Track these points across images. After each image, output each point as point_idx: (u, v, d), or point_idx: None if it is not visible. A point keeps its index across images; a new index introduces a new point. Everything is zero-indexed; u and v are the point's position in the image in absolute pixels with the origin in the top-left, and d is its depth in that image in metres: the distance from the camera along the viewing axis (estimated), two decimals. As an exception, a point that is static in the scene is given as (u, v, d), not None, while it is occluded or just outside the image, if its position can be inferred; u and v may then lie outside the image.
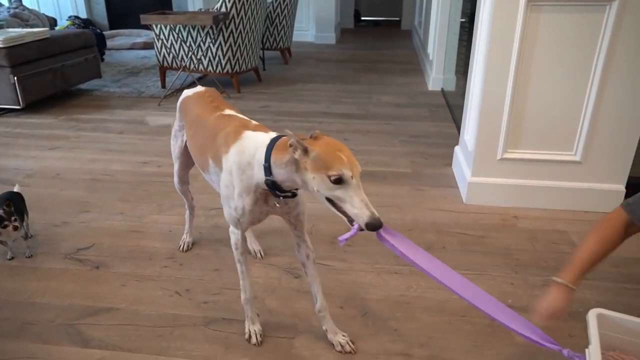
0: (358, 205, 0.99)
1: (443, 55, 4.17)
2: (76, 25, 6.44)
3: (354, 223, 1.03)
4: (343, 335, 1.38)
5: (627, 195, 2.12)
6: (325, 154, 1.00)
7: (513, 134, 2.08)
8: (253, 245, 1.83)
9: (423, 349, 1.37)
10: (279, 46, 5.39)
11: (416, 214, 2.14)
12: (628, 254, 1.83)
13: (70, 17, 6.90)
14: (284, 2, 5.11)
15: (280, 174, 1.09)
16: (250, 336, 1.38)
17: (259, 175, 1.12)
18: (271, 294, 1.60)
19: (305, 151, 1.02)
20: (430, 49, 4.60)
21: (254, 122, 1.30)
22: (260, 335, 1.39)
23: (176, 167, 1.73)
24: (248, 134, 1.18)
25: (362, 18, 9.50)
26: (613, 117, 1.99)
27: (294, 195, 1.19)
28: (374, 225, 0.98)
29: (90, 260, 1.79)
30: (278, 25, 5.22)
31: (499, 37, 1.93)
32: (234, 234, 1.30)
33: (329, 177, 0.99)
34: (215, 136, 1.27)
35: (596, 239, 1.16)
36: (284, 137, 1.10)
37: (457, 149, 2.56)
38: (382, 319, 1.48)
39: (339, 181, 0.99)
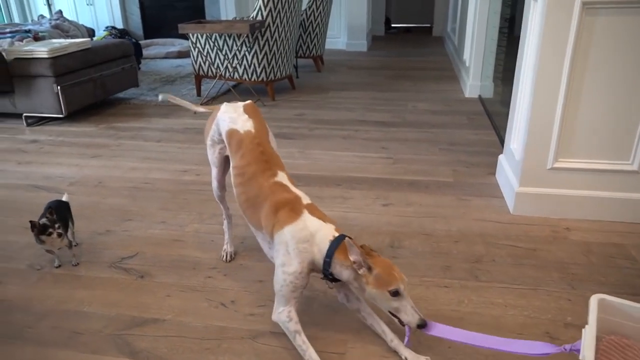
0: (410, 312, 1.23)
1: (480, 62, 4.08)
2: (113, 36, 6.59)
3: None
4: (426, 358, 1.32)
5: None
6: (385, 274, 1.23)
7: (564, 143, 2.00)
8: (228, 247, 1.85)
9: (479, 368, 1.31)
10: (312, 54, 5.39)
11: (462, 224, 2.07)
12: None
13: (107, 27, 7.06)
14: (317, 9, 5.11)
15: (340, 273, 1.29)
16: None
17: (318, 258, 1.31)
18: (316, 309, 1.56)
19: (369, 269, 1.23)
20: (466, 56, 4.51)
21: (306, 199, 1.42)
22: None
23: (214, 172, 1.72)
24: (306, 217, 1.34)
25: (393, 25, 9.45)
26: (674, 124, 1.89)
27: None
28: (423, 326, 1.24)
29: (135, 269, 1.79)
30: (311, 33, 5.22)
31: (550, 41, 1.85)
32: (286, 310, 1.34)
33: (390, 291, 1.21)
34: (272, 206, 1.38)
35: None
36: (351, 243, 1.23)
37: (501, 157, 2.48)
38: (436, 336, 1.41)
39: (395, 294, 1.22)
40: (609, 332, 1.03)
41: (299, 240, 1.30)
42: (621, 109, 1.91)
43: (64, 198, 1.95)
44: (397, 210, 2.22)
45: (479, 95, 4.18)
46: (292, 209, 1.35)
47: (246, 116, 1.59)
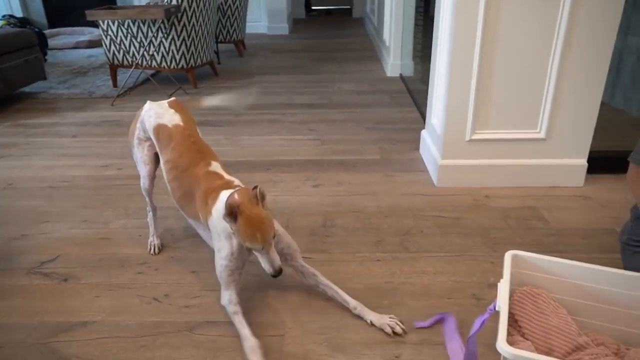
0: (265, 265, 1.24)
1: (400, 41, 4.19)
2: (12, 25, 6.07)
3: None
4: (390, 318, 1.38)
5: (589, 169, 2.20)
6: (243, 232, 1.21)
7: (480, 115, 2.11)
8: (154, 239, 1.81)
9: (414, 333, 1.37)
10: (232, 39, 5.28)
11: (391, 200, 2.14)
12: (597, 225, 1.90)
13: (4, 16, 6.49)
14: (235, -7, 4.99)
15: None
16: None
17: None
18: (254, 294, 1.56)
19: (234, 220, 1.21)
20: (386, 36, 4.61)
21: (236, 181, 1.43)
22: None
23: (145, 171, 1.69)
24: (224, 193, 1.32)
25: (313, 7, 9.44)
26: (574, 93, 2.04)
27: None
28: (275, 276, 1.24)
29: (57, 272, 1.68)
30: (230, 17, 5.10)
31: (462, 19, 1.93)
32: (226, 294, 1.36)
33: (247, 247, 1.25)
34: (202, 195, 1.39)
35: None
36: (242, 190, 1.28)
37: (423, 132, 2.58)
38: (371, 308, 1.45)
39: (250, 250, 1.27)
40: (522, 284, 1.12)
41: (220, 219, 1.28)
42: (528, 80, 2.03)
43: None
44: (328, 190, 2.25)
45: (400, 74, 4.29)
46: (216, 191, 1.35)
47: (172, 110, 1.61)
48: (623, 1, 1.88)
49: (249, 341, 1.27)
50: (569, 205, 2.07)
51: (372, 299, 1.50)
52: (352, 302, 1.44)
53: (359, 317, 1.42)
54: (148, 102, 1.68)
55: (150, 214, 1.80)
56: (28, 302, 1.54)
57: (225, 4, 5.01)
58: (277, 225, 1.38)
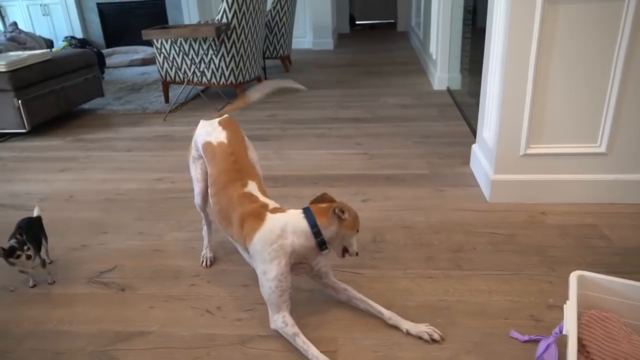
0: (356, 245, 1.45)
1: (447, 54, 4.14)
2: (73, 46, 6.42)
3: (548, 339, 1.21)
4: (426, 325, 1.40)
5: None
6: (353, 222, 1.40)
7: (535, 129, 2.04)
8: (207, 252, 1.84)
9: (470, 355, 1.32)
10: (279, 54, 5.37)
11: (441, 215, 2.10)
12: (631, 243, 1.80)
13: (66, 37, 6.88)
14: (282, 10, 5.09)
15: (328, 231, 1.37)
16: None
17: (297, 245, 1.35)
18: (304, 309, 1.55)
19: (340, 218, 1.36)
20: (432, 49, 4.57)
21: (273, 204, 1.46)
22: None
23: (198, 188, 1.74)
24: (269, 218, 1.38)
25: (357, 22, 9.50)
26: (636, 106, 1.95)
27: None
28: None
29: (115, 282, 1.74)
30: (277, 33, 5.20)
31: (516, 31, 1.89)
32: (279, 317, 1.38)
33: (357, 230, 1.43)
34: (238, 218, 1.42)
35: None
36: (316, 207, 1.40)
37: (474, 147, 2.52)
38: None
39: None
40: (589, 307, 1.06)
41: (270, 243, 1.34)
42: (587, 93, 1.96)
43: (35, 213, 1.88)
44: (377, 205, 2.23)
45: (448, 87, 4.24)
46: (256, 217, 1.38)
47: (220, 128, 1.65)
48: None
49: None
50: (634, 223, 1.97)
51: (424, 318, 1.47)
52: (386, 313, 1.44)
53: (395, 327, 1.42)
54: (201, 120, 1.72)
55: (204, 228, 1.84)
56: (88, 310, 1.60)
57: (273, 20, 5.12)
58: None
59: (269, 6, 5.20)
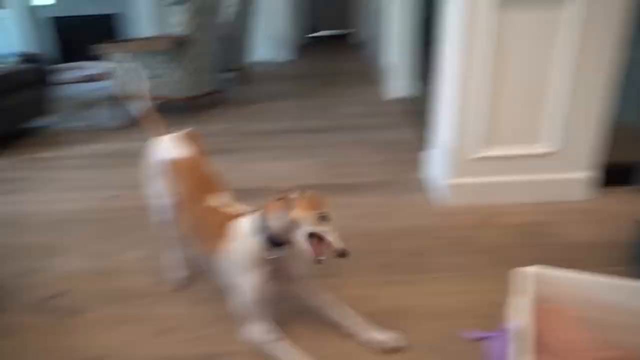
0: (334, 242, 1.21)
1: (403, 63, 4.22)
2: (24, 61, 6.20)
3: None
4: (389, 334, 1.39)
5: (599, 182, 2.17)
6: (310, 202, 1.22)
7: (487, 133, 2.10)
8: (173, 272, 1.76)
9: (429, 357, 1.33)
10: (237, 67, 5.35)
11: (399, 221, 2.12)
12: (609, 238, 1.86)
13: (17, 53, 6.64)
14: (238, 22, 5.08)
15: (277, 225, 1.25)
16: None
17: (257, 241, 1.28)
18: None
19: (288, 207, 1.22)
20: (389, 58, 4.65)
21: (246, 210, 1.40)
22: None
23: (158, 206, 1.68)
24: (234, 227, 1.34)
25: (316, 34, 9.59)
26: (582, 107, 2.03)
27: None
28: (343, 255, 1.21)
29: (64, 307, 1.67)
30: (235, 46, 5.18)
31: (468, 39, 1.94)
32: (261, 325, 1.35)
33: (317, 213, 1.21)
34: (214, 228, 1.39)
35: None
36: (271, 202, 1.28)
37: (430, 152, 2.57)
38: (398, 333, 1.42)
39: (323, 218, 1.22)
40: (544, 301, 1.09)
41: (241, 253, 1.31)
42: (535, 96, 2.03)
43: None
44: (336, 214, 2.21)
45: (404, 95, 4.31)
46: (227, 228, 1.35)
47: (180, 142, 1.60)
48: (623, 17, 1.88)
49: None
50: (580, 219, 2.04)
51: (384, 323, 1.47)
52: (360, 325, 1.42)
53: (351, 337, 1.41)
54: (158, 136, 1.67)
55: (168, 249, 1.77)
56: (38, 338, 1.52)
57: (230, 33, 5.09)
58: None
59: (225, 19, 5.18)
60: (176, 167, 1.55)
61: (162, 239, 1.79)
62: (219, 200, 1.46)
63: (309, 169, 2.79)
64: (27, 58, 6.36)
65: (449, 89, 2.15)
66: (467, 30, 1.93)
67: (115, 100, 4.19)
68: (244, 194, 2.46)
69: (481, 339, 1.35)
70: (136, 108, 4.02)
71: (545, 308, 1.08)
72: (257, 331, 1.35)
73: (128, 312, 1.62)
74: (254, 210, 1.34)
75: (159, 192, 1.65)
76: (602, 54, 1.93)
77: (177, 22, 3.75)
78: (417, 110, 3.77)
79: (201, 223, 1.44)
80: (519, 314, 0.97)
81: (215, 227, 1.38)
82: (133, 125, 3.97)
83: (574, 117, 2.04)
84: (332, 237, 1.21)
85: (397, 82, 4.31)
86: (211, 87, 4.21)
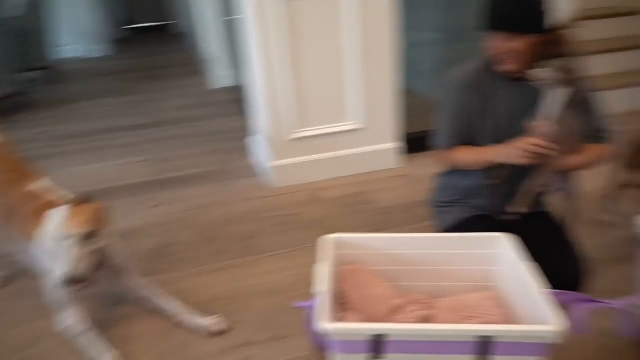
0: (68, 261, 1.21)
1: (220, 52, 4.23)
2: None
3: None
4: (212, 318, 1.42)
5: (404, 151, 2.48)
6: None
7: (298, 115, 2.24)
8: None
9: (263, 332, 1.43)
10: (40, 65, 4.79)
11: (231, 208, 2.17)
12: (417, 198, 2.14)
13: None
14: (31, 16, 4.52)
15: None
16: None
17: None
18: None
19: None
20: (207, 48, 4.61)
21: (63, 196, 1.39)
22: None
23: None
24: (47, 212, 1.30)
25: (133, 26, 9.02)
26: (374, 86, 2.28)
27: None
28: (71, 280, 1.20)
29: None
30: (31, 42, 4.60)
31: (261, 29, 2.05)
32: (70, 313, 1.32)
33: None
34: (23, 219, 1.35)
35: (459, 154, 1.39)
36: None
37: (252, 138, 2.65)
38: (222, 316, 1.47)
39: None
40: (344, 264, 1.24)
41: (52, 240, 1.26)
42: (335, 78, 2.23)
43: None
44: (167, 209, 2.20)
45: (225, 85, 4.32)
46: (44, 213, 1.31)
47: None
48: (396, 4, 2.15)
49: (111, 354, 1.29)
50: (392, 186, 2.32)
51: (219, 308, 1.52)
52: (176, 311, 1.46)
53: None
54: None
55: None
56: None
57: (20, 28, 4.49)
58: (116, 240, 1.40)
59: (12, 12, 4.56)
60: None
61: None
62: (39, 185, 1.42)
63: (136, 167, 2.67)
64: None
65: (257, 77, 2.23)
66: (259, 21, 2.03)
67: None
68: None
69: (306, 308, 1.45)
70: None
71: (347, 270, 1.23)
72: (67, 319, 1.33)
73: None
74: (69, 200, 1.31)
75: None
76: (382, 37, 2.19)
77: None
78: (240, 99, 3.83)
79: (19, 209, 1.38)
80: (321, 279, 1.08)
81: (33, 212, 1.33)
82: None
83: (372, 95, 2.29)
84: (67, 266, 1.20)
85: (220, 72, 4.31)
86: (8, 89, 3.74)
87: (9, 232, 1.42)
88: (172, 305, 1.46)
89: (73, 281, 1.17)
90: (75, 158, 2.88)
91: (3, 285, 1.67)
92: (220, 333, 1.41)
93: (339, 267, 1.22)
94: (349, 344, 0.99)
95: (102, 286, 1.43)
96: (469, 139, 1.36)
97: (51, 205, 1.33)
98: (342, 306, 1.20)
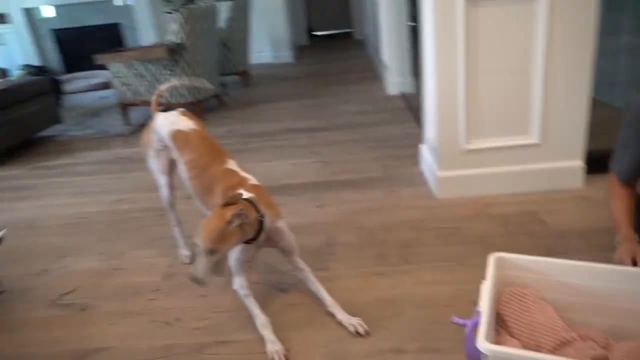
0: (196, 265, 1.35)
1: (398, 59, 4.29)
2: (30, 74, 6.36)
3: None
4: (357, 319, 1.49)
5: (587, 170, 2.23)
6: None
7: (472, 126, 2.17)
8: (184, 251, 1.98)
9: (415, 342, 1.41)
10: (237, 70, 5.45)
11: (393, 214, 2.20)
12: (598, 224, 1.92)
13: (22, 66, 6.80)
14: (235, 26, 5.17)
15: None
16: (273, 358, 1.39)
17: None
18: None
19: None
20: (385, 55, 4.72)
21: (251, 180, 1.58)
22: (284, 356, 1.40)
23: (163, 180, 1.85)
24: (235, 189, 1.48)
25: (315, 33, 9.67)
26: (562, 97, 2.09)
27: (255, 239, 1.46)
28: (193, 279, 1.34)
29: (75, 303, 1.78)
30: (233, 49, 5.28)
31: (442, 33, 2.02)
32: (238, 280, 1.53)
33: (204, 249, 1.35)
34: (222, 192, 1.53)
35: (616, 202, 1.34)
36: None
37: (422, 147, 2.64)
38: (373, 320, 1.51)
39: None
40: (508, 284, 1.16)
41: None
42: (515, 88, 2.10)
43: (0, 234, 1.90)
44: (332, 209, 2.32)
45: (401, 92, 4.38)
46: (234, 190, 1.48)
47: (185, 117, 1.77)
48: (596, 3, 1.94)
49: (260, 318, 1.46)
50: (569, 208, 2.10)
51: (373, 311, 1.55)
52: (328, 301, 1.55)
53: (332, 315, 1.53)
54: (159, 114, 1.82)
55: (176, 229, 1.96)
56: (48, 332, 1.63)
57: (227, 37, 5.19)
58: (282, 224, 1.55)
59: (221, 24, 5.28)
60: (185, 137, 1.70)
61: (172, 221, 1.96)
62: (233, 165, 1.63)
63: (307, 168, 2.87)
64: (34, 70, 6.52)
65: (430, 84, 2.22)
66: (438, 28, 2.01)
67: (119, 108, 4.30)
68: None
69: (464, 325, 1.42)
70: (139, 114, 4.14)
71: (510, 292, 1.15)
72: (236, 283, 1.53)
73: (133, 306, 1.72)
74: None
75: (163, 166, 1.82)
76: (574, 41, 1.99)
77: (173, 30, 3.86)
78: (415, 106, 3.84)
79: (217, 183, 1.57)
80: (485, 297, 1.04)
81: (229, 188, 1.52)
82: (137, 131, 4.08)
83: (555, 108, 2.10)
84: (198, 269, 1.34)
85: (398, 79, 4.38)
86: (212, 91, 4.31)
87: (205, 205, 1.63)
88: (323, 295, 1.57)
89: (195, 281, 1.33)
90: (256, 155, 3.21)
91: (190, 263, 1.94)
92: (361, 334, 1.45)
93: (501, 288, 1.15)
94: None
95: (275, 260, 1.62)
96: None
97: (238, 185, 1.51)
98: (496, 330, 1.14)
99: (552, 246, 1.84)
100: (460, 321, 1.42)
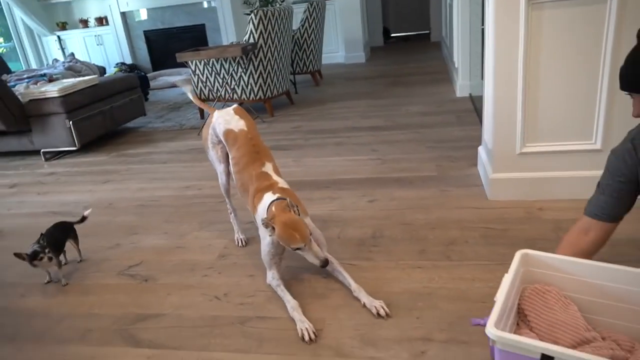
0: (311, 259, 1.53)
1: (468, 62, 4.23)
2: (123, 71, 6.94)
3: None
4: (379, 302, 1.58)
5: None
6: (283, 237, 1.52)
7: (529, 128, 2.13)
8: (239, 235, 2.14)
9: (443, 333, 1.45)
10: (309, 69, 5.61)
11: (441, 213, 2.22)
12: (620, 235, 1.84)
13: (117, 64, 7.44)
14: (310, 27, 5.34)
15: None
16: (303, 334, 1.49)
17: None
18: (299, 296, 1.73)
19: (273, 229, 1.55)
20: (455, 57, 4.66)
21: (281, 183, 1.74)
22: (314, 332, 1.50)
23: (220, 168, 2.04)
24: (267, 194, 1.66)
25: (392, 35, 9.65)
26: (627, 102, 2.00)
27: None
28: (324, 265, 1.53)
29: (140, 274, 1.98)
30: (306, 49, 5.45)
31: (503, 36, 2.01)
32: (269, 274, 1.72)
33: (292, 248, 1.53)
34: (253, 192, 1.72)
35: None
36: (279, 202, 1.59)
37: (480, 149, 2.62)
38: (405, 309, 1.56)
39: (297, 249, 1.53)
40: (533, 281, 1.17)
41: (262, 217, 1.60)
42: (578, 92, 2.04)
43: (86, 213, 2.19)
44: (381, 205, 2.37)
45: (469, 94, 4.32)
46: (263, 193, 1.67)
47: (237, 117, 1.94)
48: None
49: (290, 303, 1.59)
50: (626, 216, 2.01)
51: (407, 301, 1.61)
52: (353, 285, 1.66)
53: (358, 299, 1.63)
54: (216, 111, 2.01)
55: (232, 215, 2.14)
56: (115, 297, 1.84)
57: (301, 37, 5.37)
58: (309, 221, 1.67)
59: (297, 24, 5.48)
60: (234, 136, 1.87)
61: (229, 208, 2.15)
62: (267, 168, 1.79)
63: (363, 164, 2.95)
64: (126, 68, 7.10)
65: (490, 86, 2.21)
66: (499, 30, 2.00)
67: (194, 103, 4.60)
68: (299, 186, 2.69)
69: (484, 325, 1.43)
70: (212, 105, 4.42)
71: (534, 288, 1.17)
72: (269, 276, 1.71)
73: (188, 280, 1.90)
74: (273, 196, 1.65)
75: (219, 157, 2.01)
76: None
77: (248, 30, 4.08)
78: (480, 109, 3.78)
79: (251, 183, 1.75)
80: (504, 288, 1.07)
81: (258, 190, 1.70)
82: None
83: (620, 113, 2.01)
84: (309, 259, 1.54)
85: (465, 81, 4.32)
86: (282, 89, 4.50)
87: (243, 198, 1.83)
88: (349, 281, 1.68)
89: (324, 265, 1.52)
90: (316, 150, 3.32)
91: (244, 245, 2.11)
92: (382, 317, 1.54)
93: (525, 284, 1.17)
94: (514, 357, 0.96)
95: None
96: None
97: (268, 189, 1.68)
98: (517, 324, 1.15)
99: (604, 254, 1.77)
100: (480, 321, 1.43)
